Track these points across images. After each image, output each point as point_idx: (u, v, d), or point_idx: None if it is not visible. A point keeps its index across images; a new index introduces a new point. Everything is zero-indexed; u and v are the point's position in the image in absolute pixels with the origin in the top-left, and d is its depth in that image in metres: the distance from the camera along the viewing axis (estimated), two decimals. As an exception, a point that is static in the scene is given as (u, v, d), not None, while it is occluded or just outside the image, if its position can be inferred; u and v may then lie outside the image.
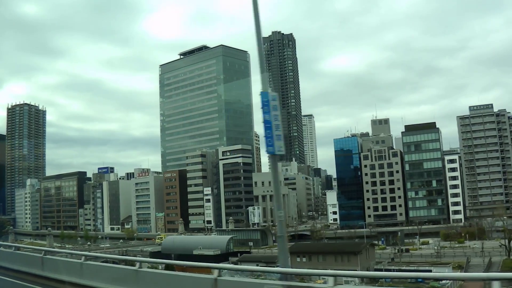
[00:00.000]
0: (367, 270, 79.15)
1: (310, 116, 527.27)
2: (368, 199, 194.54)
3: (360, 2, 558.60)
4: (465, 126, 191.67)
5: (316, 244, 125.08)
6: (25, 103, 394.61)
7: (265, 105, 14.01)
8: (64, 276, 19.39)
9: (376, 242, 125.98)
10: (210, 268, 14.51)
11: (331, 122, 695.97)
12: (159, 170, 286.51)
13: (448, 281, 69.51)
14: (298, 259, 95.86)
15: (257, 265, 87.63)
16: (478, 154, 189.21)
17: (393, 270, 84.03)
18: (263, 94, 14.10)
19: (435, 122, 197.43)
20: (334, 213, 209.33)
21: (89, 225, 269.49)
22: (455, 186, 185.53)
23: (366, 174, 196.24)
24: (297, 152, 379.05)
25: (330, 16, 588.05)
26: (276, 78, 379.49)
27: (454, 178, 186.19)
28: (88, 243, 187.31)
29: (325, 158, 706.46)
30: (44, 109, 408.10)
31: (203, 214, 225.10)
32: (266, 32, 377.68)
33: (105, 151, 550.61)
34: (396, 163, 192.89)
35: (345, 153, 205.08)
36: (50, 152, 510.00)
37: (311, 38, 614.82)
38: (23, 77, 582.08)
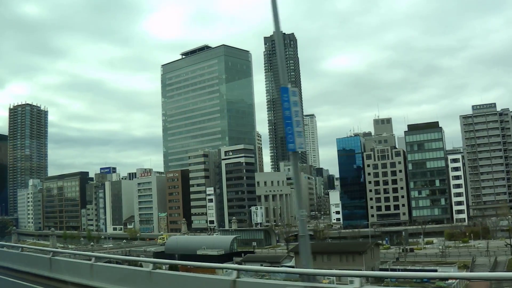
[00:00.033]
0: (372, 270, 78.71)
1: (311, 115, 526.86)
2: (371, 199, 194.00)
3: (360, 2, 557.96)
4: (468, 125, 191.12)
5: (320, 244, 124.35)
6: (27, 104, 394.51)
7: (285, 100, 13.61)
8: (74, 278, 18.80)
9: (380, 241, 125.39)
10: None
11: (332, 122, 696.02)
12: (161, 170, 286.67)
13: (454, 280, 69.05)
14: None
15: (261, 265, 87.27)
16: (481, 154, 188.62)
17: (399, 270, 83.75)
18: (283, 89, 13.70)
19: (438, 122, 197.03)
20: (337, 212, 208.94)
21: (92, 225, 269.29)
22: (458, 186, 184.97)
23: (369, 174, 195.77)
24: (299, 152, 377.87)
25: (330, 16, 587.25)
26: (277, 77, 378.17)
27: (457, 177, 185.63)
28: (92, 243, 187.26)
29: (326, 158, 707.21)
30: (46, 110, 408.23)
31: (206, 214, 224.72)
32: (267, 32, 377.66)
33: (107, 151, 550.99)
34: (399, 162, 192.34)
35: (348, 153, 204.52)
36: (52, 152, 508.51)
37: (311, 38, 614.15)
38: (24, 77, 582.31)
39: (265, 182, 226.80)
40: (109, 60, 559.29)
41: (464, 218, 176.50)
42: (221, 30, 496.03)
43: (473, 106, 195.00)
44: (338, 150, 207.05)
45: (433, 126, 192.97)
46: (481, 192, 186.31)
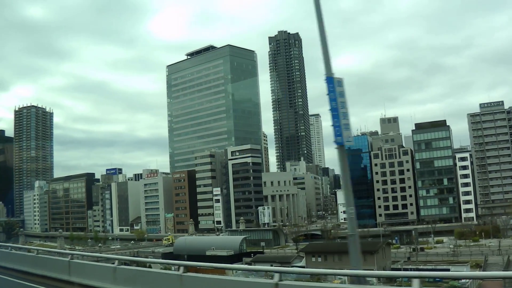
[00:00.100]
0: (384, 270, 77.96)
1: (317, 115, 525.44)
2: (378, 198, 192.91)
3: (364, 1, 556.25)
4: (475, 123, 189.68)
5: (330, 243, 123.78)
6: (32, 105, 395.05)
7: (331, 91, 13.01)
8: (95, 282, 17.81)
9: (390, 241, 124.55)
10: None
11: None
12: (167, 170, 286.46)
13: (467, 280, 68.24)
14: (313, 259, 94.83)
15: (271, 265, 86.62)
16: (489, 152, 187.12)
17: (411, 269, 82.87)
18: (329, 79, 13.10)
19: (445, 120, 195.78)
20: (345, 212, 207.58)
21: (98, 226, 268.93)
22: (466, 184, 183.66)
23: (376, 173, 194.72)
24: (305, 151, 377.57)
25: (334, 16, 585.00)
26: (283, 77, 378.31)
27: (465, 176, 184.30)
28: (99, 244, 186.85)
29: (332, 158, 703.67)
30: (51, 111, 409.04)
31: (213, 214, 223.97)
32: (272, 32, 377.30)
33: (112, 152, 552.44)
34: (407, 161, 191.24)
35: (354, 152, 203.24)
36: (57, 154, 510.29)
37: (315, 38, 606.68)
38: (29, 79, 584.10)
39: (271, 182, 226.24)
40: (114, 61, 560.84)
41: (473, 217, 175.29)
42: (225, 30, 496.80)
43: (480, 104, 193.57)
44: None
45: (441, 125, 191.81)
46: (489, 190, 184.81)
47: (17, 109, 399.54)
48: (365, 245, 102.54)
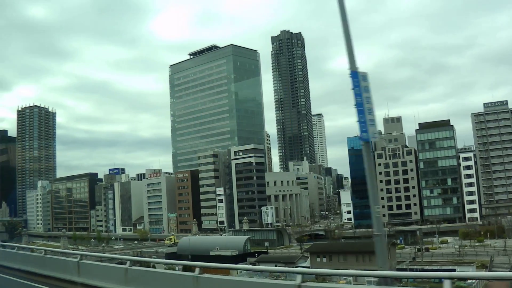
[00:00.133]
0: (389, 270, 77.39)
1: (319, 115, 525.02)
2: (382, 198, 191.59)
3: (366, 1, 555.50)
4: (479, 123, 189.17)
5: (335, 243, 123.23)
6: (35, 105, 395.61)
7: (356, 86, 12.58)
8: (106, 283, 17.29)
9: (395, 241, 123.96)
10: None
11: (339, 121, 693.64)
12: (170, 170, 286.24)
13: (474, 280, 67.86)
14: (318, 259, 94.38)
15: (276, 265, 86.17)
16: (493, 152, 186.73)
17: (416, 270, 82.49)
18: (353, 74, 12.68)
19: (449, 120, 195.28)
20: (348, 212, 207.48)
21: (101, 226, 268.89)
22: (470, 184, 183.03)
23: (380, 173, 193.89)
24: (308, 151, 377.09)
25: (336, 15, 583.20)
26: (285, 77, 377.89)
27: (469, 176, 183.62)
28: (103, 244, 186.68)
29: (335, 158, 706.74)
30: (54, 111, 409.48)
31: (216, 214, 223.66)
32: (274, 32, 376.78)
33: (114, 152, 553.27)
34: (411, 161, 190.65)
35: (358, 152, 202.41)
36: (60, 154, 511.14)
37: (318, 37, 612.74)
38: (32, 79, 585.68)
39: (274, 182, 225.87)
40: (116, 61, 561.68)
41: (477, 217, 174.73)
42: (227, 30, 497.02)
43: (484, 104, 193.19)
44: (348, 150, 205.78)
45: (445, 124, 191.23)
46: (493, 190, 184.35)
47: (19, 109, 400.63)
48: (369, 245, 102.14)
